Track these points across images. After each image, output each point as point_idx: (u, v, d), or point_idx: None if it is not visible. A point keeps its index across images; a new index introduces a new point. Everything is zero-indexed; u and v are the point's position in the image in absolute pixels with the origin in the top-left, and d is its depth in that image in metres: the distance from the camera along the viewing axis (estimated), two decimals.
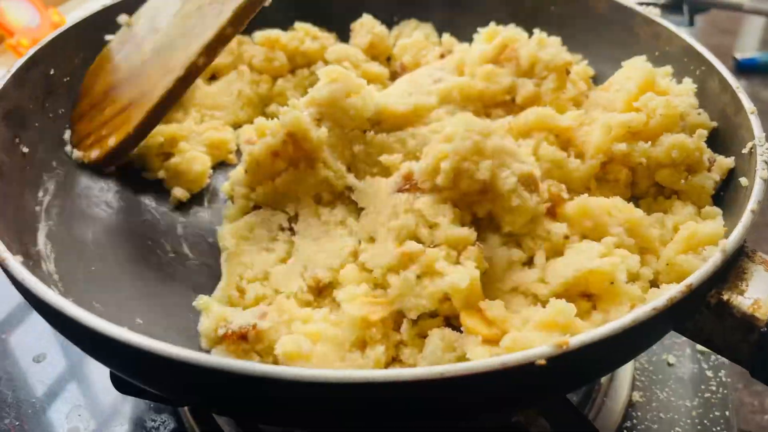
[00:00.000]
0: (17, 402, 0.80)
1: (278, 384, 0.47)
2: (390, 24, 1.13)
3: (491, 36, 0.90)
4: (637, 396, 0.83)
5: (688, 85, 0.81)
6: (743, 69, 1.77)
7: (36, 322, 0.92)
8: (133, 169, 0.93)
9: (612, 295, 0.62)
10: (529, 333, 0.56)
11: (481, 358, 0.53)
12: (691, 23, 1.47)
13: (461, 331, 0.62)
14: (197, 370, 0.50)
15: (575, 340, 0.51)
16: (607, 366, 0.60)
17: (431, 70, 0.89)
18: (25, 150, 0.82)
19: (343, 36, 1.12)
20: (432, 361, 0.58)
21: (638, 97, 0.75)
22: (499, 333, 0.58)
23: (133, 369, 0.58)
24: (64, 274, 0.74)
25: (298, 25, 1.07)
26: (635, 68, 0.85)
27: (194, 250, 0.87)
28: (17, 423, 0.79)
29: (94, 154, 0.84)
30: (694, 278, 0.56)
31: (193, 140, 0.95)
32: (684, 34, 0.92)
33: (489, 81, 0.85)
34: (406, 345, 0.62)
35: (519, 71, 0.86)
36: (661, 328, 0.59)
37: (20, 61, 0.85)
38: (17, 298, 0.89)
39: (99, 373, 0.82)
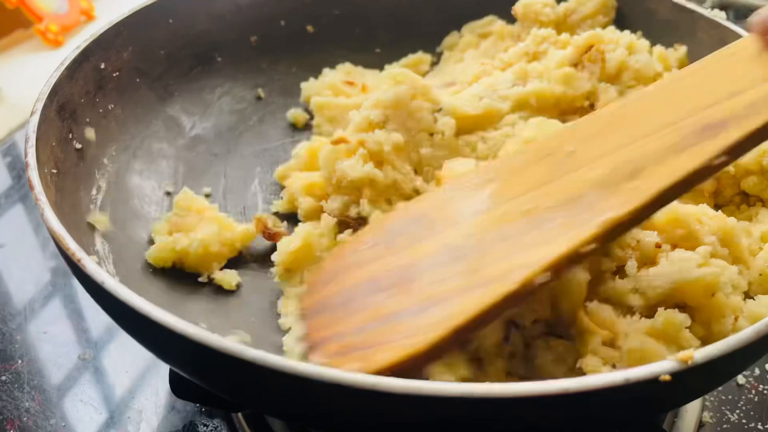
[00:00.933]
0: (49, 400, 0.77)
1: (391, 398, 0.44)
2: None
3: (568, 42, 0.87)
4: (707, 416, 0.80)
5: None
6: None
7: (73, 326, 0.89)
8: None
9: (713, 307, 0.59)
10: (646, 344, 0.53)
11: (596, 370, 0.50)
12: None
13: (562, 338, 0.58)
14: (298, 380, 0.46)
15: (700, 355, 0.48)
16: (718, 382, 0.57)
17: (507, 74, 0.85)
18: (78, 146, 0.79)
19: None
20: (546, 373, 0.55)
21: None
22: (614, 336, 0.55)
23: (215, 376, 0.54)
24: (123, 276, 0.71)
25: None
26: None
27: (250, 254, 0.83)
28: (63, 424, 0.76)
29: (355, 366, 0.53)
30: None
31: None
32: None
33: (567, 85, 0.82)
34: (514, 356, 0.58)
35: (603, 75, 0.83)
36: None
37: (72, 54, 0.82)
38: None
39: (151, 375, 0.79)
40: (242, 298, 0.78)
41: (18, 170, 1.11)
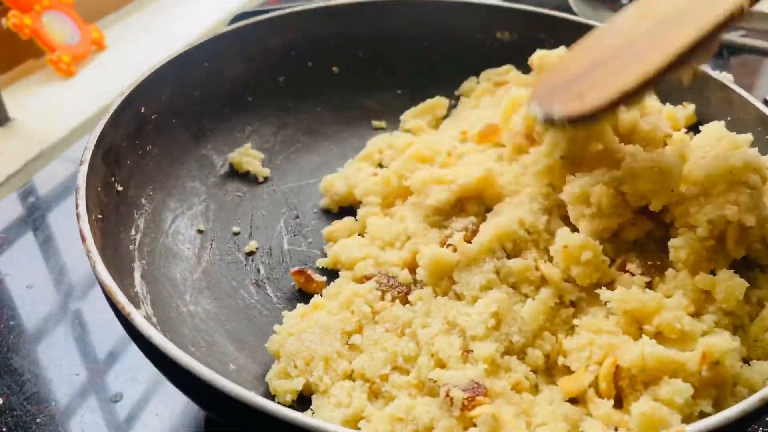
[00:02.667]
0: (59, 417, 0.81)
1: None
2: None
3: None
4: None
5: None
6: None
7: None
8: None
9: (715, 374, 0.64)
10: (656, 410, 0.58)
11: None
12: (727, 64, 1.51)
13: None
14: None
15: (692, 429, 0.53)
16: None
17: None
18: (120, 188, 0.85)
19: None
20: None
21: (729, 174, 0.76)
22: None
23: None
24: (160, 316, 0.76)
25: None
26: (716, 136, 0.86)
27: (277, 292, 0.89)
28: None
29: (573, 106, 0.76)
30: None
31: None
32: (758, 102, 0.94)
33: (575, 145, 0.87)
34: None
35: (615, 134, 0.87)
36: (762, 416, 0.61)
37: (118, 101, 0.88)
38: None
39: (183, 417, 0.82)
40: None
41: (38, 206, 1.13)
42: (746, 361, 0.69)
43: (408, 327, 0.75)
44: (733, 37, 1.57)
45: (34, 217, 1.11)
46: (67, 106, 1.49)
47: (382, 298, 0.79)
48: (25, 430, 0.78)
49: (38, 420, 0.79)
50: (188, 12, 1.91)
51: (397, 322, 0.76)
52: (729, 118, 0.96)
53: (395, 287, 0.79)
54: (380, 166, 1.05)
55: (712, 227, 0.72)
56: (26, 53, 1.61)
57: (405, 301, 0.79)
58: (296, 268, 0.88)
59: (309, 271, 0.87)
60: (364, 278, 0.82)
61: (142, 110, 0.93)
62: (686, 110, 1.00)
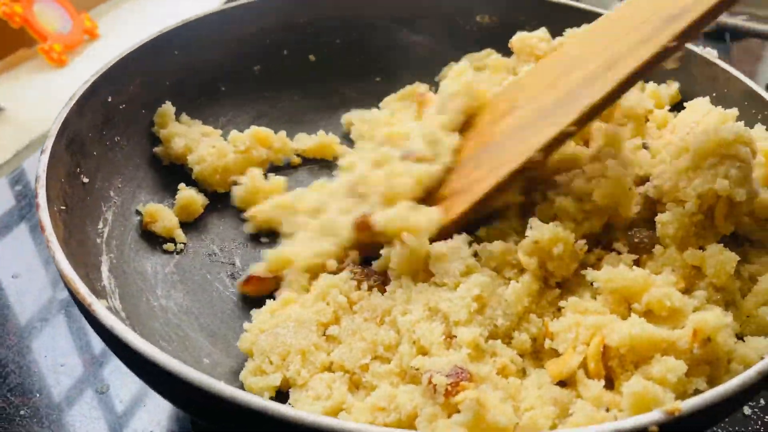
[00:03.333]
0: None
1: None
2: None
3: None
4: None
5: (762, 132, 0.81)
6: None
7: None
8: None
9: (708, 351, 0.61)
10: (648, 388, 0.55)
11: (588, 420, 0.53)
12: (730, 49, 1.49)
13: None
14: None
15: (687, 405, 0.50)
16: (705, 427, 0.59)
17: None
18: (86, 180, 0.81)
19: None
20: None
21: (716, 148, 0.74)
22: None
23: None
24: (129, 310, 0.73)
25: None
26: (702, 111, 0.84)
27: None
28: None
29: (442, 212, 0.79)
30: None
31: None
32: (743, 77, 0.92)
33: None
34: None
35: None
36: (759, 390, 0.58)
37: (82, 88, 0.84)
38: None
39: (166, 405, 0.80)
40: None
41: (25, 194, 1.11)
42: (740, 337, 0.67)
43: (388, 315, 0.72)
44: (736, 21, 1.54)
45: (22, 205, 1.07)
46: (59, 96, 1.44)
47: (358, 288, 0.76)
48: (8, 422, 0.75)
49: (21, 412, 0.76)
50: (181, 1, 1.87)
51: (376, 310, 0.73)
52: (714, 94, 0.94)
53: (371, 276, 0.76)
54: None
55: (701, 202, 0.70)
56: (17, 42, 1.57)
57: (383, 291, 0.76)
58: (242, 279, 0.82)
59: (258, 275, 0.82)
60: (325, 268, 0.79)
61: (109, 99, 0.89)
62: (670, 88, 0.98)
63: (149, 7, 1.87)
